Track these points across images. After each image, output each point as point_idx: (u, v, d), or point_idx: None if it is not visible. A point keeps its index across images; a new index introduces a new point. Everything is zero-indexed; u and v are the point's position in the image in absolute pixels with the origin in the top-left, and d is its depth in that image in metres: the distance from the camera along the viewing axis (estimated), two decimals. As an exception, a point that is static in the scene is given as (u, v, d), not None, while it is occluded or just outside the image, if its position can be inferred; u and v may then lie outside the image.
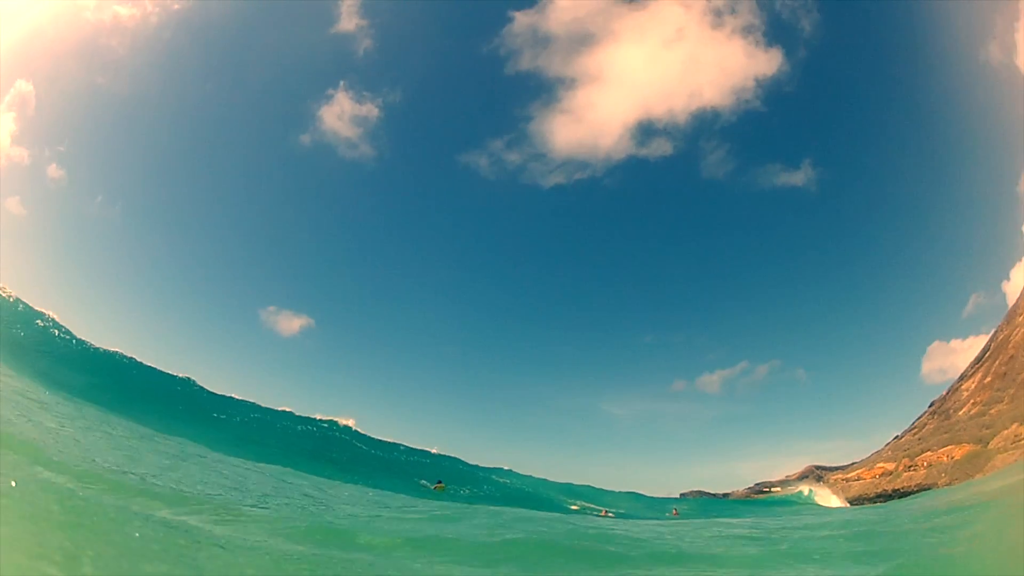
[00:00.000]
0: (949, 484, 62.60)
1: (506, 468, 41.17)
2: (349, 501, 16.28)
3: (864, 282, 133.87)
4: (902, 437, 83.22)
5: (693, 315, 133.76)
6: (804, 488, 56.69)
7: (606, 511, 38.49)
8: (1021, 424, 57.94)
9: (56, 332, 27.21)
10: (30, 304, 28.77)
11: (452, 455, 39.71)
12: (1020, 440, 56.54)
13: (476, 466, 40.33)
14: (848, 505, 55.96)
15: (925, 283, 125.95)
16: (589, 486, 45.17)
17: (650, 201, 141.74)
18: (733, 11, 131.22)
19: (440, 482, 31.28)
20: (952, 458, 64.52)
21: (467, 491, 33.14)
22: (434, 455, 36.15)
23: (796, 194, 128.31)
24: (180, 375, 31.26)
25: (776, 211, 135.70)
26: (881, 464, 73.97)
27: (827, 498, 54.52)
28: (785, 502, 54.78)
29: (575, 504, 35.88)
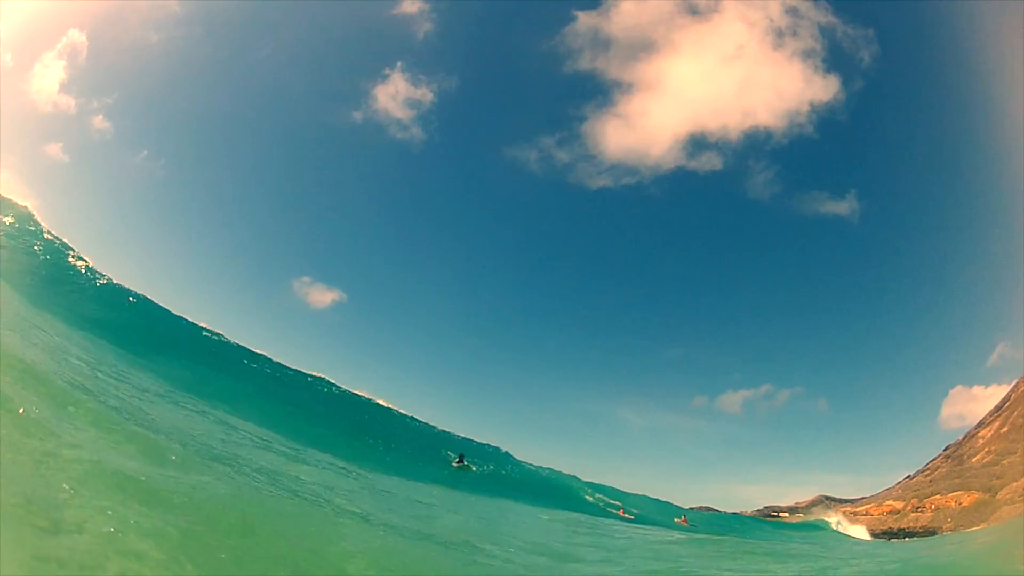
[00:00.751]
0: (954, 530, 63.72)
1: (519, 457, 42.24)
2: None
3: (894, 319, 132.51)
4: (914, 477, 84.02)
5: (722, 333, 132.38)
6: (833, 518, 58.07)
7: (623, 510, 39.80)
8: None
9: (86, 273, 28.16)
10: (66, 242, 29.70)
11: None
12: None
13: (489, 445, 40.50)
14: (871, 538, 57.33)
15: (954, 328, 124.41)
16: (601, 484, 46.55)
17: (693, 214, 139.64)
18: (795, 34, 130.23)
19: (463, 458, 31.87)
20: (960, 504, 65.59)
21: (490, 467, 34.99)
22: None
23: (838, 223, 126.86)
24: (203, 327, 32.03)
25: (816, 238, 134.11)
26: (890, 502, 75.05)
27: (852, 528, 55.87)
28: (808, 527, 56.07)
29: (591, 496, 37.31)
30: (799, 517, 71.02)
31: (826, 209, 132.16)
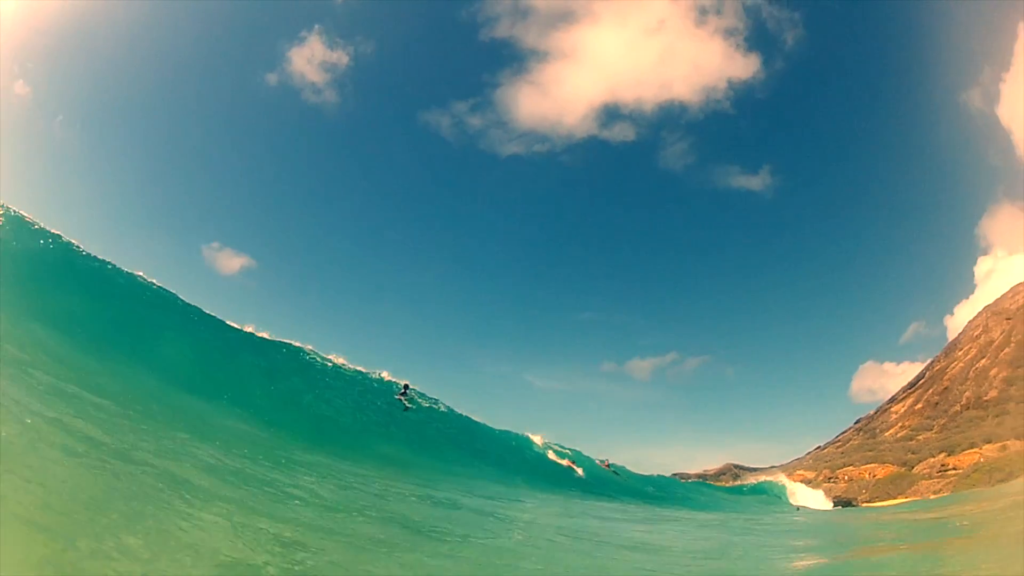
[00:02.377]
0: (870, 501, 65.09)
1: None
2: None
3: (806, 294, 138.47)
4: (824, 448, 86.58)
5: (632, 298, 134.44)
6: (786, 482, 56.21)
7: (608, 462, 36.37)
8: (949, 455, 60.19)
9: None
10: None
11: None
12: (947, 471, 58.76)
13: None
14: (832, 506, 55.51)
15: (867, 305, 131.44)
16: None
17: (604, 183, 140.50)
18: (719, 12, 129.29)
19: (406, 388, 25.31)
20: (874, 476, 67.11)
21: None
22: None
23: (751, 197, 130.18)
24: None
25: (728, 211, 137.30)
26: (801, 472, 76.39)
27: (812, 498, 54.15)
28: (759, 491, 53.59)
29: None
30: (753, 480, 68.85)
31: (739, 183, 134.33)
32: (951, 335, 76.87)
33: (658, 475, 46.53)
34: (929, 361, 76.57)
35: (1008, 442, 54.04)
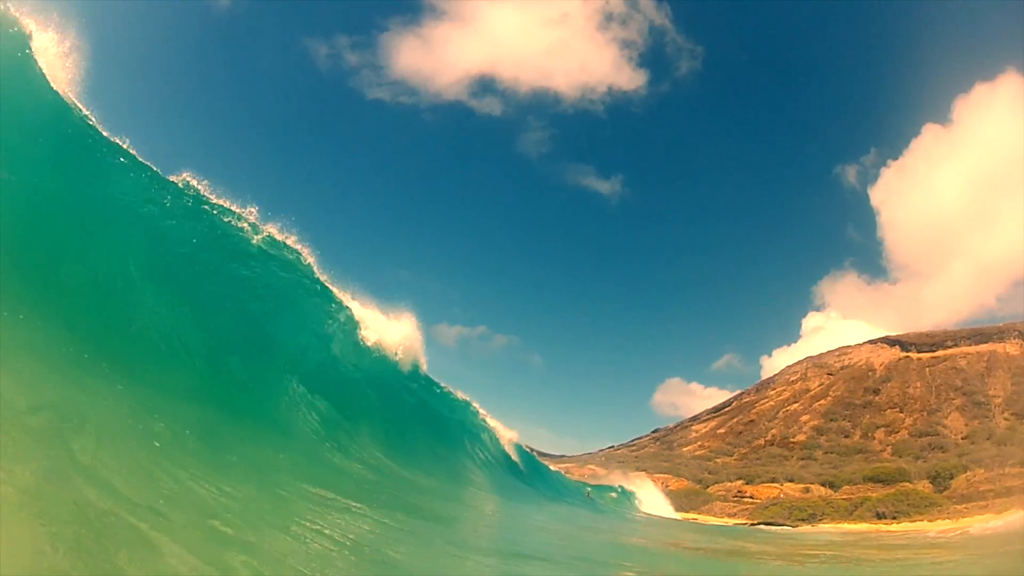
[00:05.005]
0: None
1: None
2: None
3: (627, 302, 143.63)
4: (618, 449, 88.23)
5: (449, 266, 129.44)
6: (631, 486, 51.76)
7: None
8: (747, 483, 62.80)
9: None
10: None
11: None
12: (744, 498, 61.09)
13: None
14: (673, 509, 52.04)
15: (687, 324, 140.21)
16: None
17: (458, 149, 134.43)
18: (624, 23, 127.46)
19: None
20: (668, 486, 68.58)
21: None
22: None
23: (597, 200, 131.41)
24: None
25: (571, 207, 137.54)
26: (592, 467, 76.21)
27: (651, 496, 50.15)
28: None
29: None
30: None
31: (589, 183, 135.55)
32: (765, 373, 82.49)
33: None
34: (738, 392, 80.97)
35: (813, 486, 56.66)
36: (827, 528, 45.21)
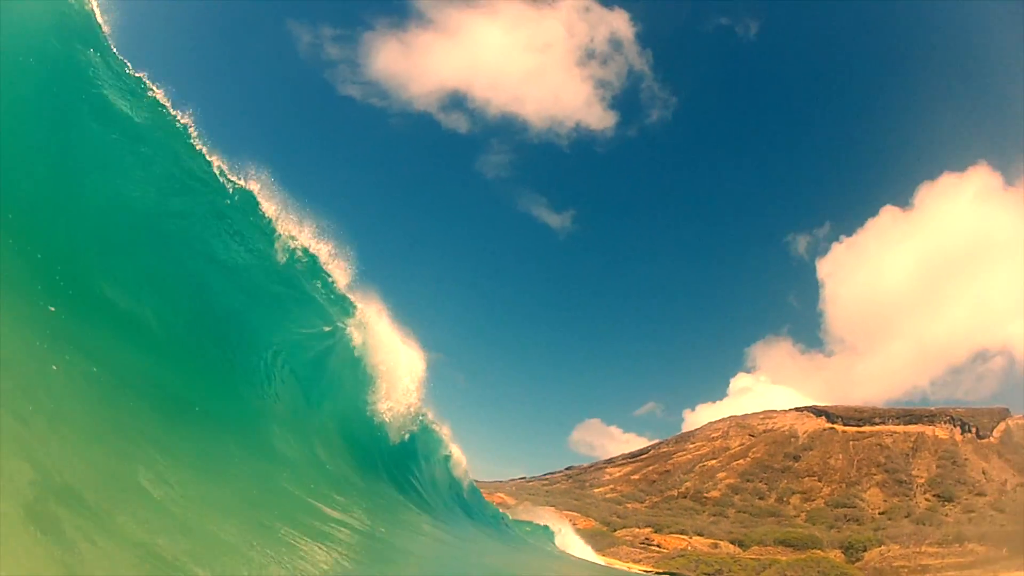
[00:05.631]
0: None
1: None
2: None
3: (555, 337, 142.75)
4: (529, 481, 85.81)
5: (386, 270, 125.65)
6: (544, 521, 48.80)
7: None
8: (655, 532, 61.98)
9: None
10: None
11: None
12: (651, 546, 60.08)
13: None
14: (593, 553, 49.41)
15: (613, 367, 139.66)
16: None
17: (417, 158, 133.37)
18: (604, 63, 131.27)
19: None
20: (575, 524, 66.72)
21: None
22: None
23: (545, 232, 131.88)
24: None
25: (518, 234, 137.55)
26: (501, 495, 73.53)
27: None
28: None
29: None
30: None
31: (539, 214, 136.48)
32: (687, 427, 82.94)
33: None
34: (657, 441, 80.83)
35: (722, 542, 56.30)
36: (733, 586, 44.50)
